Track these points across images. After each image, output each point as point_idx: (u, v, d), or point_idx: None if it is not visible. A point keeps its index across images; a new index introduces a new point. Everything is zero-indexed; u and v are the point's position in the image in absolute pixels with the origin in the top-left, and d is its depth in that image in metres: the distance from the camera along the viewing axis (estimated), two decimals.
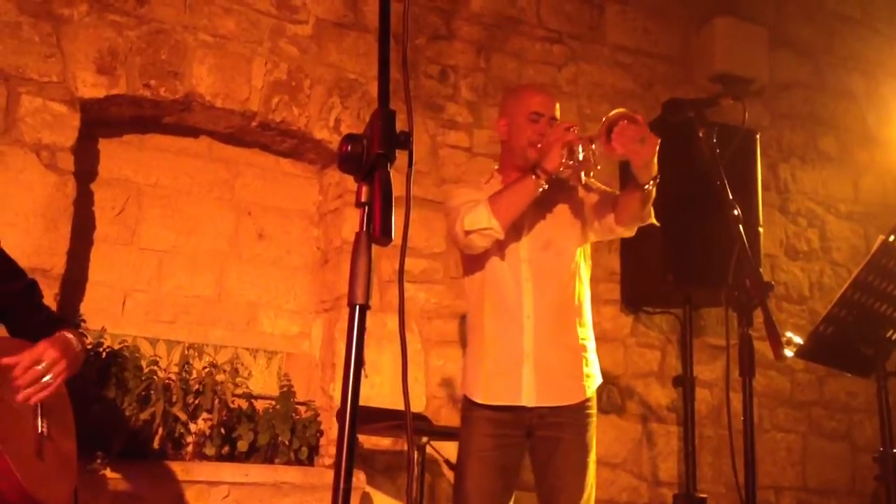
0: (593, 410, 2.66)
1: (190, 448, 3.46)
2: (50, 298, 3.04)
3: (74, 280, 3.47)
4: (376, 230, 1.30)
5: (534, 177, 2.50)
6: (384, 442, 3.66)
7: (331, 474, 2.25)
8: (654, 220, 2.65)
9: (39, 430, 2.05)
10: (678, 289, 4.01)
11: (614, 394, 4.20)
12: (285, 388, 3.68)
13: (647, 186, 2.45)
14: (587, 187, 2.70)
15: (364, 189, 1.33)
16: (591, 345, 2.72)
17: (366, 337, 1.31)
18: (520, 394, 2.59)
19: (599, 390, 2.74)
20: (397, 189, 1.32)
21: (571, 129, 2.53)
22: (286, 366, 3.90)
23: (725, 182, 2.23)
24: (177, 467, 3.25)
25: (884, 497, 2.67)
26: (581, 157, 2.48)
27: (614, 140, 2.38)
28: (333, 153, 3.70)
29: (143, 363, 3.39)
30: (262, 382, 3.81)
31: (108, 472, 3.08)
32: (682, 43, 4.81)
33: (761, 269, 3.72)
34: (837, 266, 5.01)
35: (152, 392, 3.35)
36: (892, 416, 2.60)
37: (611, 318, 4.24)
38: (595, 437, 2.65)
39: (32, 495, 1.91)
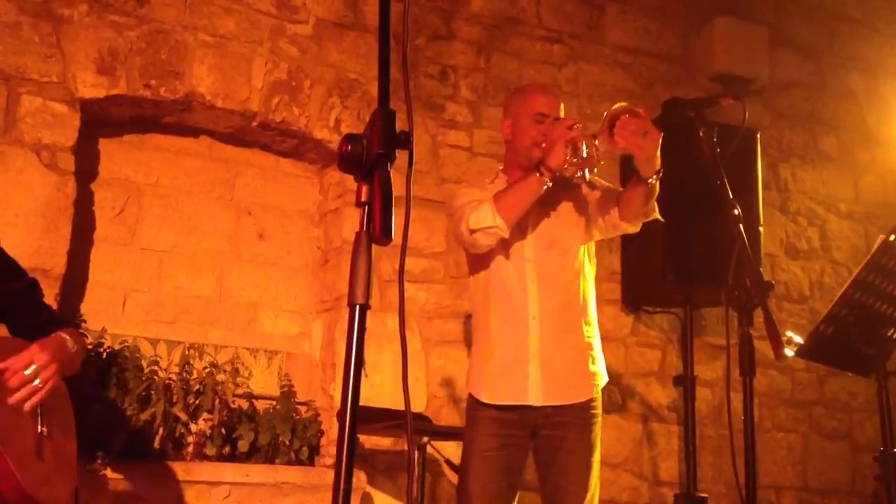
0: (598, 410, 2.67)
1: (190, 448, 3.46)
2: (50, 298, 3.04)
3: (75, 280, 3.47)
4: (376, 230, 1.30)
5: (538, 175, 2.50)
6: (385, 442, 3.66)
7: (331, 474, 2.24)
8: (658, 216, 2.64)
9: (39, 431, 2.05)
10: (679, 288, 4.01)
11: (615, 393, 4.21)
12: (286, 389, 3.68)
13: (650, 180, 2.44)
14: (591, 185, 2.70)
15: (364, 189, 1.33)
16: (596, 343, 2.72)
17: (366, 337, 1.31)
18: (526, 393, 2.59)
19: (602, 390, 2.74)
20: (397, 189, 1.32)
21: (574, 127, 2.52)
22: (287, 366, 3.90)
23: (726, 181, 2.23)
24: (177, 467, 3.25)
25: (884, 497, 2.66)
26: (585, 153, 2.47)
27: (617, 135, 2.38)
28: (333, 153, 3.69)
29: (144, 363, 3.39)
30: (262, 382, 3.81)
31: (109, 472, 3.08)
32: (683, 43, 4.81)
33: (762, 269, 3.71)
34: (838, 265, 5.01)
35: (153, 392, 3.35)
36: (892, 416, 2.60)
37: (611, 318, 4.24)
38: (599, 436, 2.66)
39: (32, 495, 1.91)
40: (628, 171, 2.78)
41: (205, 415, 3.50)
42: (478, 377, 2.69)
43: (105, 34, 3.46)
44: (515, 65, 4.33)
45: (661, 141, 2.38)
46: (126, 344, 3.43)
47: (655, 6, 4.75)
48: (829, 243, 5.05)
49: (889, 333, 2.63)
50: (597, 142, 2.46)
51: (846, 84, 5.23)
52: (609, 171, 3.20)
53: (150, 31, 3.54)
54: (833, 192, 5.11)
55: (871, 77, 5.32)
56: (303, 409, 3.73)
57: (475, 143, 4.15)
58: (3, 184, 3.20)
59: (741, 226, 2.20)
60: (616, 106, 2.42)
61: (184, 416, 3.40)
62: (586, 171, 2.52)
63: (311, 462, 3.62)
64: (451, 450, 3.36)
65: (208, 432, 3.47)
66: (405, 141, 1.35)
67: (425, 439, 2.96)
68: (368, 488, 3.61)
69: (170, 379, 3.45)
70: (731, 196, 2.22)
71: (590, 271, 2.76)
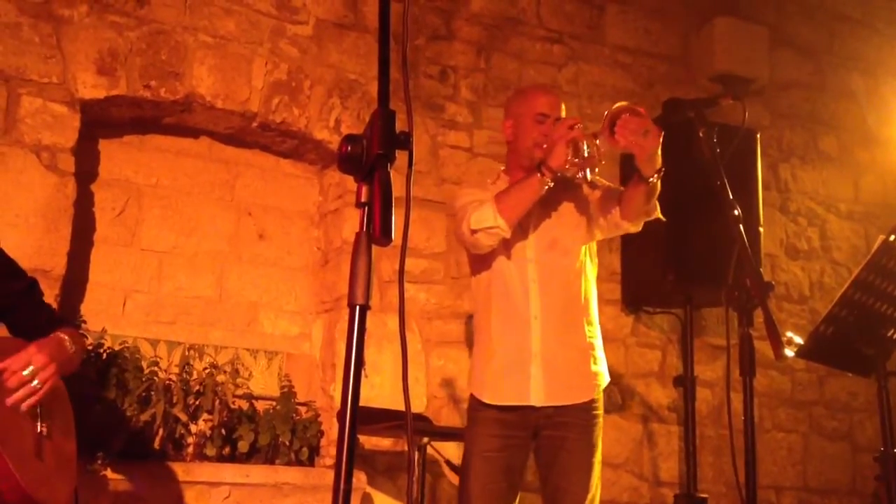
0: (600, 411, 2.67)
1: (190, 449, 3.46)
2: (50, 299, 3.04)
3: (75, 281, 3.47)
4: (376, 230, 1.30)
5: (539, 175, 2.50)
6: (385, 442, 3.66)
7: (331, 475, 2.24)
8: (659, 215, 2.64)
9: (39, 431, 2.05)
10: (679, 289, 4.01)
11: (615, 394, 4.20)
12: (286, 389, 3.68)
13: (651, 179, 2.44)
14: (592, 185, 2.69)
15: (364, 189, 1.33)
16: (598, 342, 2.72)
17: (366, 337, 1.31)
18: (528, 393, 2.59)
19: (603, 390, 2.74)
20: (397, 189, 1.32)
21: (575, 126, 2.52)
22: (287, 366, 3.90)
23: (726, 182, 2.23)
24: (177, 468, 3.25)
25: (884, 497, 2.66)
26: (586, 153, 2.47)
27: (617, 134, 2.38)
28: (333, 153, 3.69)
29: (144, 364, 3.39)
30: (262, 383, 3.81)
31: (109, 473, 3.08)
32: (683, 43, 4.81)
33: (762, 269, 3.71)
34: (838, 266, 5.01)
35: (153, 393, 3.35)
36: (892, 416, 2.60)
37: (611, 318, 4.24)
38: (601, 437, 2.66)
39: (32, 495, 1.91)
40: (629, 170, 2.77)
41: (205, 415, 3.49)
42: (480, 378, 2.69)
43: (105, 35, 3.46)
44: (515, 65, 4.32)
45: (661, 140, 2.38)
46: (126, 345, 3.43)
47: (655, 6, 4.75)
48: (830, 243, 5.05)
49: (889, 334, 2.63)
50: (598, 141, 2.46)
51: (846, 84, 5.23)
52: (609, 171, 3.20)
53: (150, 32, 3.54)
54: (833, 193, 5.11)
55: (871, 77, 5.32)
56: (303, 409, 3.72)
57: (475, 144, 4.15)
58: (4, 185, 3.20)
59: (741, 226, 2.20)
60: (617, 105, 2.42)
61: (184, 417, 3.40)
62: (587, 170, 2.52)
63: (311, 463, 3.62)
64: (452, 450, 3.36)
65: (208, 433, 3.47)
66: (405, 141, 1.35)
67: (425, 440, 2.96)
68: (368, 489, 3.61)
69: (170, 379, 3.45)
70: (731, 196, 2.22)
71: (591, 271, 2.76)
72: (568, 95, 4.35)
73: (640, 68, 4.65)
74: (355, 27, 3.97)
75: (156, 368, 3.41)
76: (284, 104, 3.76)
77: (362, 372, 1.30)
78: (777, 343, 2.08)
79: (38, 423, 2.05)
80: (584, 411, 2.63)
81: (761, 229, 4.14)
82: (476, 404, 2.69)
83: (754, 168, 4.15)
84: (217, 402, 3.48)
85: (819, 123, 5.14)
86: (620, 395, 4.23)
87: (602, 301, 2.82)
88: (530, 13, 4.41)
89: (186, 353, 3.67)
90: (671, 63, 4.74)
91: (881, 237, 2.57)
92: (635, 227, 2.66)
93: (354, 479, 2.14)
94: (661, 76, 4.68)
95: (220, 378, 3.54)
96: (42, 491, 1.97)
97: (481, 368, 2.70)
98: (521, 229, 2.66)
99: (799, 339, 2.44)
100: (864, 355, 2.62)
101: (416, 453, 2.94)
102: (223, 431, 3.48)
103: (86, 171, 3.55)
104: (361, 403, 1.29)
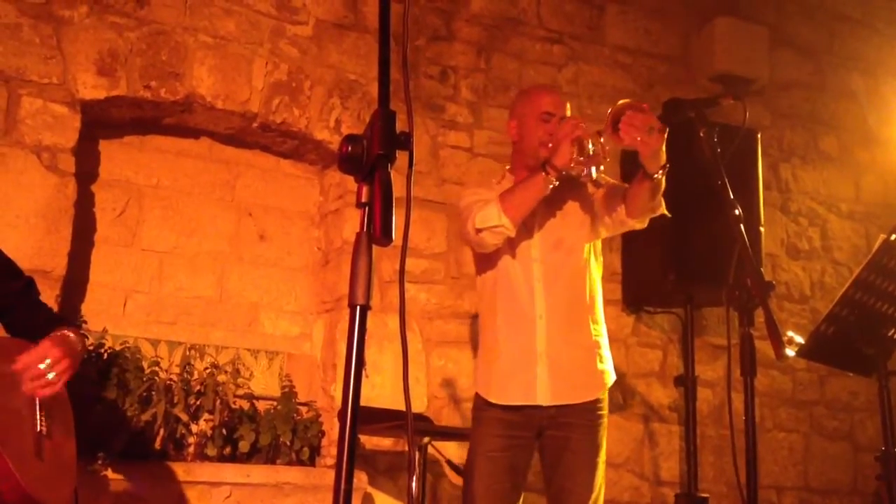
0: (604, 411, 2.67)
1: (191, 449, 3.47)
2: (51, 300, 3.04)
3: (75, 281, 3.47)
4: (377, 231, 1.30)
5: (544, 174, 2.50)
6: (385, 442, 3.66)
7: (332, 475, 2.25)
8: (664, 211, 2.63)
9: (39, 431, 2.05)
10: (679, 288, 4.01)
11: (616, 393, 4.20)
12: (287, 389, 3.68)
13: (656, 176, 2.44)
14: (596, 183, 2.69)
15: (364, 190, 1.33)
16: (604, 341, 2.73)
17: (367, 337, 1.31)
18: (535, 393, 2.59)
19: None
20: (398, 189, 1.32)
21: (580, 125, 2.53)
22: (287, 366, 3.90)
23: (726, 182, 2.23)
24: (178, 468, 3.25)
25: (886, 496, 2.66)
26: (591, 151, 2.47)
27: (622, 131, 2.37)
28: (334, 154, 3.69)
29: (145, 364, 3.39)
30: (263, 383, 3.81)
31: (110, 473, 3.08)
32: (683, 43, 4.81)
33: (762, 269, 3.71)
34: (839, 265, 5.01)
35: (154, 393, 3.35)
36: (893, 416, 2.59)
37: (612, 318, 4.22)
38: (605, 437, 2.66)
39: (32, 495, 1.92)
40: (631, 167, 2.77)
41: (206, 415, 3.50)
42: (486, 377, 2.69)
43: (105, 35, 3.46)
44: (516, 65, 4.32)
45: (666, 136, 2.38)
46: (127, 345, 3.43)
47: (655, 6, 4.75)
48: (830, 243, 5.04)
49: (890, 333, 2.63)
50: (602, 139, 2.46)
51: (846, 84, 5.23)
52: (610, 169, 3.20)
53: (150, 33, 3.54)
54: (834, 192, 5.11)
55: (871, 77, 5.32)
56: (304, 409, 3.73)
57: (475, 144, 4.15)
58: (4, 185, 3.20)
59: (742, 226, 2.20)
60: (620, 102, 2.42)
61: (185, 417, 3.40)
62: (592, 168, 2.52)
63: (311, 462, 3.62)
64: (452, 450, 3.36)
65: (209, 433, 3.48)
66: (405, 142, 1.35)
67: (426, 440, 2.96)
68: (369, 489, 3.61)
69: (171, 380, 3.45)
70: (731, 196, 2.22)
71: (596, 270, 2.77)
72: (568, 96, 4.33)
73: (640, 68, 4.64)
74: (355, 27, 3.97)
75: (157, 368, 3.41)
76: (285, 104, 3.76)
77: (363, 372, 1.30)
78: (778, 343, 2.08)
79: (39, 423, 2.06)
80: (589, 411, 2.63)
81: (762, 229, 4.14)
82: (481, 404, 2.69)
83: (755, 168, 4.15)
84: (218, 402, 3.48)
85: (819, 123, 5.14)
86: (621, 394, 4.23)
87: (603, 301, 2.82)
88: (530, 13, 4.41)
89: (187, 353, 3.67)
90: (671, 63, 4.74)
91: (882, 237, 2.57)
92: (641, 224, 2.66)
93: (355, 479, 2.14)
94: (662, 76, 4.68)
95: (221, 378, 3.55)
96: (42, 490, 1.97)
97: (487, 368, 2.70)
98: (526, 229, 2.66)
99: (800, 339, 2.44)
100: (864, 355, 2.62)
101: (417, 453, 2.94)
102: (224, 431, 3.48)
103: (86, 172, 3.55)
104: (362, 403, 1.29)
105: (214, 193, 3.91)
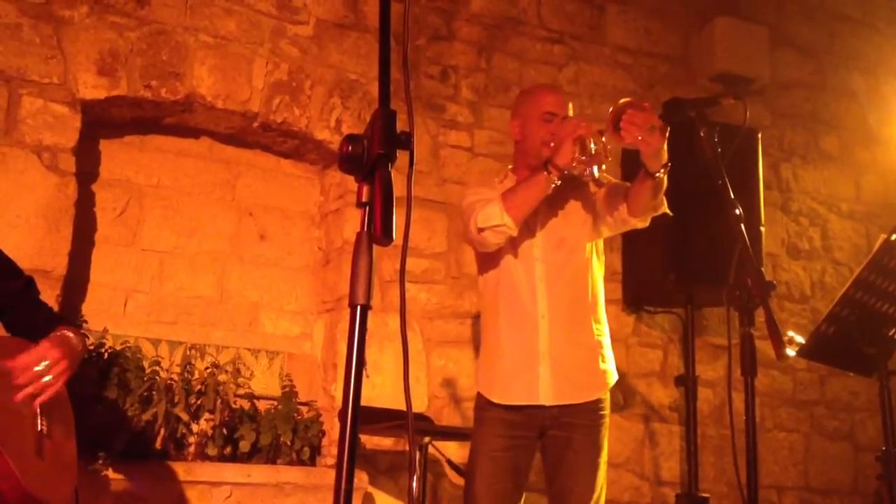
0: (606, 411, 2.67)
1: (192, 448, 3.47)
2: (52, 299, 3.04)
3: (76, 281, 3.47)
4: (377, 230, 1.30)
5: (546, 173, 2.50)
6: (386, 442, 3.66)
7: (333, 474, 2.24)
8: (666, 209, 2.63)
9: (39, 430, 2.05)
10: (680, 288, 4.01)
11: (616, 393, 4.20)
12: (287, 389, 3.68)
13: (657, 175, 2.44)
14: (598, 182, 2.69)
15: (365, 189, 1.33)
16: (606, 340, 2.73)
17: (367, 337, 1.31)
18: (537, 393, 2.59)
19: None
20: (398, 189, 1.32)
21: (582, 124, 2.52)
22: (288, 366, 3.90)
23: (727, 181, 2.23)
24: (179, 468, 3.25)
25: (886, 496, 2.66)
26: (593, 150, 2.47)
27: (623, 130, 2.37)
28: (334, 154, 3.69)
29: (145, 364, 3.39)
30: (263, 383, 3.81)
31: (110, 473, 3.08)
32: (683, 43, 4.81)
33: (763, 269, 3.71)
34: (839, 265, 5.01)
35: (154, 392, 3.36)
36: (894, 416, 2.59)
37: (613, 318, 4.20)
38: (607, 437, 2.66)
39: (32, 493, 1.92)
40: (632, 167, 2.77)
41: (206, 415, 3.50)
42: (489, 377, 2.69)
43: (106, 35, 3.46)
44: (516, 65, 4.32)
45: (668, 134, 2.38)
46: (127, 344, 3.43)
47: (656, 6, 4.75)
48: (831, 243, 5.04)
49: (891, 333, 2.63)
50: (603, 138, 2.46)
51: (847, 83, 5.23)
52: (611, 169, 3.20)
53: (150, 33, 3.54)
54: (834, 192, 5.11)
55: (871, 76, 5.32)
56: (304, 409, 3.73)
57: (476, 144, 4.15)
58: (5, 185, 3.20)
59: (742, 225, 2.20)
60: (621, 101, 2.42)
61: (185, 417, 3.40)
62: (594, 168, 2.52)
63: (312, 462, 3.63)
64: (453, 450, 3.36)
65: (210, 433, 3.48)
66: (406, 141, 1.35)
67: (427, 439, 2.96)
68: (370, 488, 3.61)
69: (171, 379, 3.45)
70: (732, 196, 2.22)
71: (598, 269, 2.77)
72: (569, 96, 4.30)
73: (640, 68, 4.64)
74: (356, 27, 3.97)
75: (157, 368, 3.41)
76: (285, 104, 3.76)
77: (364, 372, 1.30)
78: (778, 343, 2.08)
79: (39, 423, 2.06)
80: (591, 411, 2.63)
81: (763, 229, 4.14)
82: (484, 404, 2.69)
83: (755, 167, 4.15)
84: (218, 401, 3.48)
85: (820, 123, 5.14)
86: (622, 394, 4.23)
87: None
88: (531, 13, 4.41)
89: (188, 353, 3.67)
90: (672, 63, 4.74)
91: (882, 236, 2.57)
92: (643, 223, 2.66)
93: (356, 479, 2.14)
94: (662, 76, 4.68)
95: (222, 378, 3.55)
96: (42, 490, 1.97)
97: (490, 368, 2.70)
98: (528, 228, 2.66)
99: (800, 339, 2.44)
100: (865, 354, 2.62)
101: (418, 453, 2.94)
102: (224, 431, 3.48)
103: (87, 172, 3.55)
104: (363, 403, 1.29)
105: (215, 193, 3.91)
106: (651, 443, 4.31)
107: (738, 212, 2.20)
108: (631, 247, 4.23)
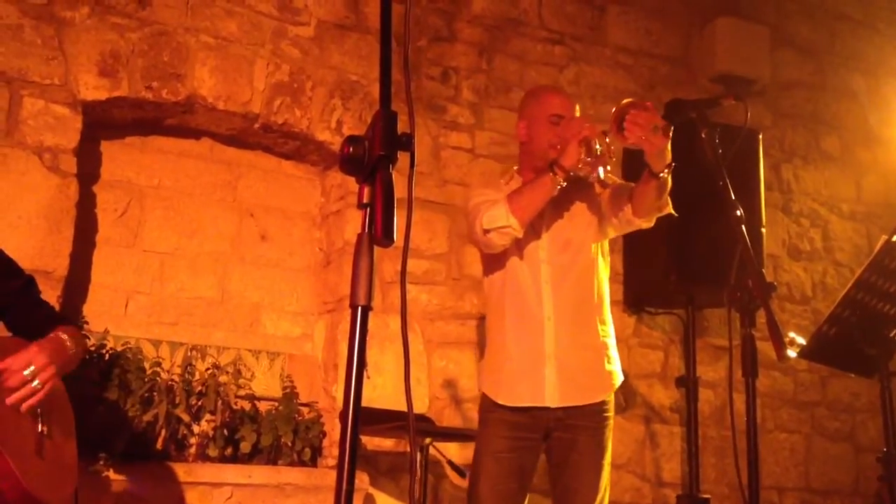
0: (610, 412, 2.67)
1: (193, 449, 3.47)
2: (53, 300, 3.04)
3: (77, 282, 3.47)
4: (378, 231, 1.30)
5: (552, 174, 2.50)
6: (387, 443, 3.66)
7: (334, 475, 2.24)
8: (671, 210, 2.63)
9: (39, 430, 2.05)
10: (681, 289, 4.01)
11: (617, 394, 4.19)
12: (288, 390, 3.68)
13: (662, 175, 2.44)
14: (603, 183, 2.68)
15: (366, 190, 1.33)
16: (611, 341, 2.73)
17: (368, 338, 1.31)
18: (543, 394, 2.59)
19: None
20: (399, 190, 1.32)
21: (586, 125, 2.52)
22: (289, 367, 3.90)
23: (728, 182, 2.23)
24: (180, 469, 3.25)
25: (887, 497, 2.66)
26: (598, 151, 2.47)
27: (627, 130, 2.37)
28: (335, 155, 3.69)
29: (146, 365, 3.39)
30: (264, 384, 3.81)
31: (111, 474, 3.08)
32: (684, 43, 4.81)
33: (764, 270, 3.71)
34: (840, 266, 5.00)
35: (155, 393, 3.36)
36: (895, 417, 2.59)
37: (614, 319, 4.21)
38: (611, 438, 2.66)
39: (32, 493, 1.92)
40: (635, 167, 2.77)
41: (207, 416, 3.50)
42: (494, 379, 2.69)
43: (107, 36, 3.46)
44: (517, 66, 4.32)
45: (671, 134, 2.38)
46: (128, 345, 3.43)
47: (656, 7, 4.75)
48: (832, 244, 5.04)
49: (892, 334, 2.63)
50: (608, 139, 2.46)
51: (848, 84, 5.23)
52: (613, 170, 3.20)
53: (151, 34, 3.54)
54: (835, 193, 5.11)
55: (872, 77, 5.32)
56: (305, 410, 3.73)
57: (477, 145, 4.15)
58: (6, 186, 3.21)
59: (743, 227, 2.20)
60: (624, 102, 2.42)
61: (186, 418, 3.41)
62: (600, 169, 2.52)
63: (313, 463, 3.62)
64: (454, 451, 3.36)
65: (211, 433, 3.48)
66: (407, 143, 1.35)
67: (427, 440, 2.96)
68: (371, 489, 3.61)
69: (172, 380, 3.45)
70: (733, 197, 2.22)
71: (604, 269, 2.76)
72: (571, 97, 4.35)
73: (641, 69, 4.64)
74: (357, 28, 3.97)
75: (158, 369, 3.41)
76: (286, 105, 3.76)
77: (364, 373, 1.30)
78: (779, 344, 2.07)
79: (39, 423, 2.06)
80: (596, 413, 2.63)
81: (763, 230, 4.14)
82: (489, 405, 2.68)
83: (756, 168, 4.15)
84: (219, 402, 3.48)
85: (821, 123, 5.14)
86: (623, 395, 4.23)
87: None
88: (532, 14, 4.41)
89: (189, 354, 3.67)
90: (672, 64, 4.74)
91: (884, 237, 2.57)
92: (648, 224, 2.65)
93: (357, 480, 2.14)
94: (663, 77, 4.68)
95: (223, 379, 3.55)
96: (43, 490, 1.97)
97: (496, 370, 2.70)
98: (534, 230, 2.66)
99: (801, 340, 2.44)
100: (866, 356, 2.62)
101: (419, 454, 2.94)
102: (225, 432, 3.48)
103: (88, 173, 3.55)
104: (364, 404, 1.29)
105: (216, 194, 3.91)
106: (652, 444, 4.31)
107: (738, 213, 2.20)
108: (632, 248, 4.23)
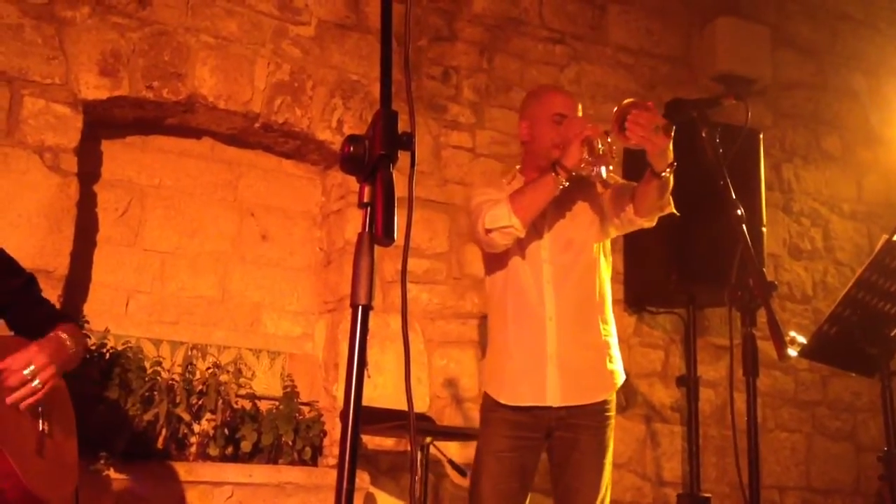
0: (612, 412, 2.67)
1: (193, 448, 3.47)
2: (53, 300, 3.02)
3: (78, 281, 3.47)
4: (379, 231, 1.30)
5: (554, 174, 2.50)
6: (388, 442, 3.66)
7: (334, 475, 2.24)
8: (673, 209, 2.63)
9: (40, 430, 2.05)
10: (682, 288, 4.01)
11: (618, 394, 4.19)
12: (289, 389, 3.68)
13: (663, 174, 2.44)
14: (605, 183, 2.68)
15: (366, 190, 1.33)
16: (613, 340, 2.73)
17: (369, 337, 1.31)
18: (545, 394, 2.59)
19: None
20: (400, 190, 1.32)
21: (588, 125, 2.52)
22: (289, 366, 3.91)
23: (729, 182, 2.22)
24: (180, 468, 3.25)
25: (888, 497, 2.66)
26: (600, 151, 2.47)
27: (628, 130, 2.37)
28: (336, 154, 3.70)
29: (147, 364, 3.39)
30: (265, 383, 3.81)
31: (112, 473, 3.08)
32: (685, 43, 4.80)
33: (765, 269, 3.71)
34: (841, 265, 5.00)
35: (156, 393, 3.36)
36: None
37: (615, 318, 4.23)
38: (612, 438, 2.66)
39: (33, 492, 1.92)
40: (636, 167, 2.77)
41: (208, 415, 3.50)
42: (498, 378, 2.69)
43: (107, 36, 3.46)
44: (518, 65, 4.32)
45: (673, 133, 2.38)
46: (129, 345, 3.43)
47: (657, 6, 4.75)
48: (833, 243, 5.04)
49: (893, 333, 2.62)
50: (609, 139, 2.46)
51: (849, 84, 5.23)
52: (614, 170, 3.20)
53: (152, 33, 3.55)
54: (836, 192, 5.11)
55: (873, 77, 5.31)
56: (306, 409, 3.73)
57: (477, 144, 4.15)
58: (7, 185, 3.21)
59: (744, 226, 2.20)
60: (625, 101, 2.42)
61: (187, 417, 3.41)
62: (602, 168, 2.52)
63: (314, 462, 3.63)
64: (454, 450, 3.36)
65: (211, 433, 3.48)
66: (407, 142, 1.35)
67: (428, 440, 2.96)
68: (371, 489, 3.61)
69: (173, 380, 3.46)
70: (734, 196, 2.22)
71: (605, 269, 2.76)
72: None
73: (642, 69, 4.64)
74: (357, 28, 3.97)
75: (159, 368, 3.41)
76: (287, 105, 3.77)
77: (365, 372, 1.30)
78: (780, 343, 2.07)
79: (40, 422, 2.06)
80: (597, 413, 2.63)
81: (764, 229, 4.13)
82: (491, 404, 2.69)
83: (757, 168, 4.15)
84: (220, 401, 3.48)
85: (822, 123, 5.14)
86: (623, 395, 4.23)
87: None
88: (532, 13, 4.41)
89: (189, 353, 3.67)
90: (673, 63, 4.74)
91: (884, 237, 2.56)
92: (650, 223, 2.66)
93: (357, 479, 2.14)
94: (664, 76, 4.68)
95: (223, 378, 3.55)
96: (43, 488, 1.97)
97: (498, 369, 2.70)
98: (536, 230, 2.66)
99: (802, 339, 2.44)
100: (867, 355, 2.62)
101: (419, 453, 2.94)
102: (226, 431, 3.49)
103: (88, 172, 3.55)
104: (364, 403, 1.29)
105: (216, 193, 3.91)
106: (653, 443, 4.31)
107: (739, 212, 2.20)
108: (633, 247, 4.22)
